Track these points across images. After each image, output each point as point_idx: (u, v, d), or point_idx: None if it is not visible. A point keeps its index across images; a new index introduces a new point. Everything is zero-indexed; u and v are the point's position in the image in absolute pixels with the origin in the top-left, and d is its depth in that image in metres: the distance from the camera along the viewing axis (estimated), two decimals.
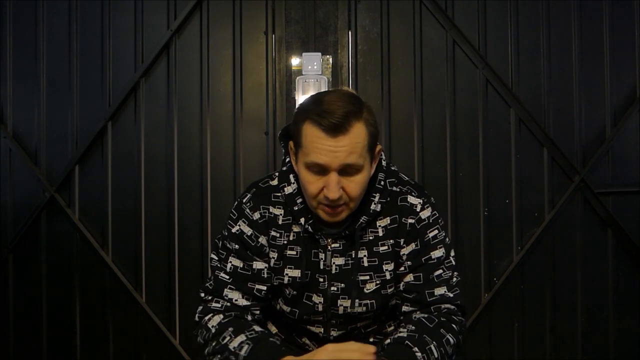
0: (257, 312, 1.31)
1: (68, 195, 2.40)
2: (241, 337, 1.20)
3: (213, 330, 1.25)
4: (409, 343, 1.17)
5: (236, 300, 1.29)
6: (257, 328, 1.24)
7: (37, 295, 2.40)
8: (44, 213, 2.40)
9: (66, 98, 2.40)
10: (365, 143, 1.18)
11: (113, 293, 2.38)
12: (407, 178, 1.36)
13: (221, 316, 1.27)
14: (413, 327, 1.22)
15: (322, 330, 1.35)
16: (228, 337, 1.21)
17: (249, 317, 1.29)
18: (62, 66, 2.40)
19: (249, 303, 1.29)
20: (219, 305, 1.29)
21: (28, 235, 2.41)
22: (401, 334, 1.21)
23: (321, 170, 1.18)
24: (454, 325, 1.25)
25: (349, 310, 1.31)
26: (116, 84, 2.39)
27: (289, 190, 1.29)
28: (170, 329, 2.37)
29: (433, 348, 1.18)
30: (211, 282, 1.32)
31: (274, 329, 1.44)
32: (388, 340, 1.21)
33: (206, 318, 1.28)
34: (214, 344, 1.23)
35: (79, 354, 2.39)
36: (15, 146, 2.40)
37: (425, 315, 1.26)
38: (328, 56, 2.38)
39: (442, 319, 1.25)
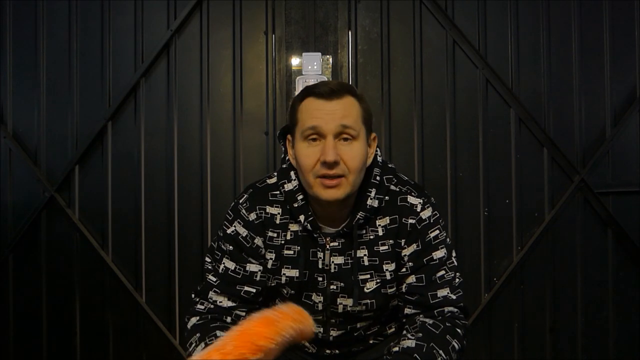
0: (243, 313, 1.29)
1: (68, 195, 2.40)
2: (201, 346, 1.21)
3: (187, 331, 1.27)
4: (417, 356, 1.16)
5: (220, 302, 1.29)
6: (218, 333, 1.22)
7: (37, 295, 2.40)
8: (44, 213, 2.40)
9: (66, 98, 2.40)
10: (359, 114, 1.22)
11: (113, 293, 2.38)
12: (406, 178, 1.35)
13: (197, 318, 1.28)
14: (420, 335, 1.21)
15: (321, 330, 1.35)
16: (194, 344, 1.23)
17: (229, 319, 1.28)
18: (62, 66, 2.40)
19: (234, 304, 1.29)
20: (203, 307, 1.29)
21: (28, 235, 2.41)
22: (409, 343, 1.19)
23: (318, 136, 1.19)
24: (458, 330, 1.24)
25: (348, 308, 1.31)
26: (116, 84, 2.39)
27: (289, 187, 1.28)
28: (170, 329, 2.37)
29: None
30: (202, 284, 1.33)
31: None
32: (396, 348, 1.19)
33: (189, 319, 1.30)
34: (187, 350, 1.25)
35: (79, 354, 2.39)
36: (15, 146, 2.40)
37: (431, 321, 1.24)
38: (328, 56, 2.38)
39: (447, 324, 1.24)
